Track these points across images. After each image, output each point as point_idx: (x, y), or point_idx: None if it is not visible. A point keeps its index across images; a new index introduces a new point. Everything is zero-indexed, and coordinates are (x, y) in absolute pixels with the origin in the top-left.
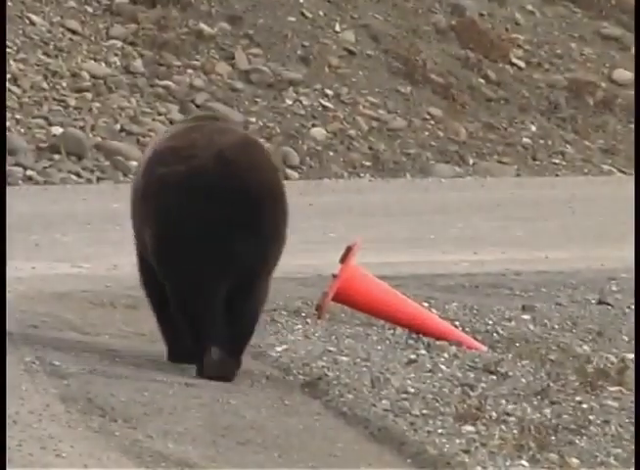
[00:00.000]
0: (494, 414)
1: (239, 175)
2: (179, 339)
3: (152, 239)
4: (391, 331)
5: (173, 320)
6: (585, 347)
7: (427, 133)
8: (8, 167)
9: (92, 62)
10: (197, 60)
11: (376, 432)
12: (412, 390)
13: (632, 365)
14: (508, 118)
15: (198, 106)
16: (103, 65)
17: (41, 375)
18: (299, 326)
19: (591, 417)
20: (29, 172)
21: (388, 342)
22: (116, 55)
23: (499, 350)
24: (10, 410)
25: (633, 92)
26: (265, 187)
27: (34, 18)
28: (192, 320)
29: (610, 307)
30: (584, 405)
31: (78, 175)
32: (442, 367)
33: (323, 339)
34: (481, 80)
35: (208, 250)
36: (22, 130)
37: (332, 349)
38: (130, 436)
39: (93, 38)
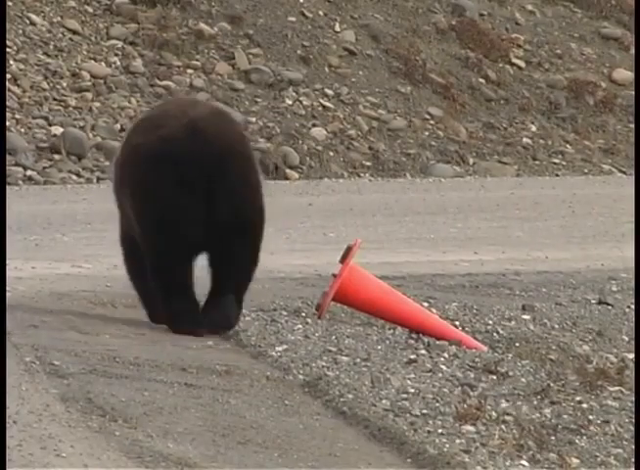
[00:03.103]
0: (494, 414)
1: (206, 142)
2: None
3: (129, 203)
4: (391, 331)
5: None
6: (585, 347)
7: (427, 133)
8: (8, 167)
9: (92, 62)
10: (197, 60)
11: (376, 432)
12: (412, 390)
13: (632, 365)
14: (508, 118)
15: None
16: (103, 65)
17: (41, 375)
18: (299, 326)
19: (591, 417)
20: (29, 172)
21: (388, 342)
22: (116, 55)
23: (499, 350)
24: (10, 410)
25: (633, 92)
26: (232, 153)
27: (34, 18)
28: (165, 281)
29: (610, 307)
30: (584, 405)
31: (78, 175)
32: (442, 367)
33: (323, 339)
34: (481, 80)
35: (180, 212)
36: (23, 130)
37: (332, 349)
38: (130, 436)
39: (93, 38)
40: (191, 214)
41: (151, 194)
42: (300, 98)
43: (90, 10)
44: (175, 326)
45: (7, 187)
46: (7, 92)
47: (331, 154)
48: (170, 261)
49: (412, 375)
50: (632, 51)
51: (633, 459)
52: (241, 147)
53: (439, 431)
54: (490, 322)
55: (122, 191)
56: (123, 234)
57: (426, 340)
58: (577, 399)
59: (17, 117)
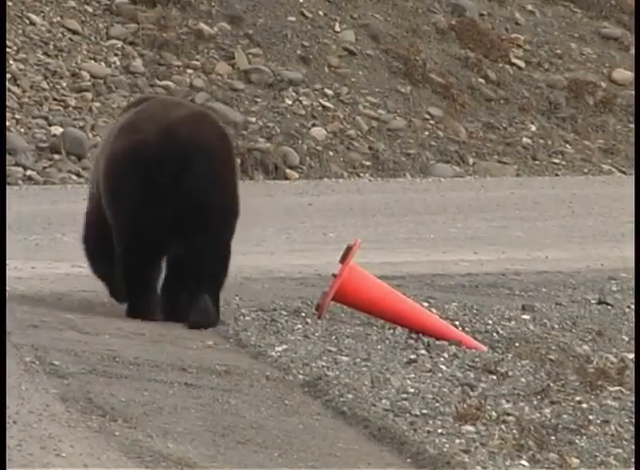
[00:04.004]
0: (494, 414)
1: (177, 144)
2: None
3: (104, 202)
4: (391, 331)
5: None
6: (585, 347)
7: (427, 133)
8: (8, 167)
9: (92, 62)
10: (197, 60)
11: (376, 432)
12: (412, 390)
13: (632, 365)
14: (508, 118)
15: None
16: (103, 65)
17: (41, 375)
18: (299, 326)
19: (591, 417)
20: (29, 172)
21: (387, 342)
22: (116, 55)
23: (499, 350)
24: (10, 410)
25: (633, 92)
26: (201, 154)
27: (34, 18)
28: (132, 274)
29: (610, 307)
30: (584, 405)
31: (78, 175)
32: (442, 367)
33: (323, 339)
34: (481, 80)
35: (148, 213)
36: (23, 130)
37: (332, 349)
38: (130, 436)
39: (93, 38)
40: (159, 214)
41: (121, 197)
42: (300, 98)
43: (90, 10)
44: (130, 311)
45: (7, 187)
46: (7, 92)
47: (331, 154)
48: (137, 259)
49: (412, 375)
50: (632, 51)
51: (633, 459)
52: (212, 147)
53: (439, 431)
54: (490, 322)
55: (99, 191)
56: (90, 219)
57: (426, 340)
58: (577, 399)
59: (17, 117)
